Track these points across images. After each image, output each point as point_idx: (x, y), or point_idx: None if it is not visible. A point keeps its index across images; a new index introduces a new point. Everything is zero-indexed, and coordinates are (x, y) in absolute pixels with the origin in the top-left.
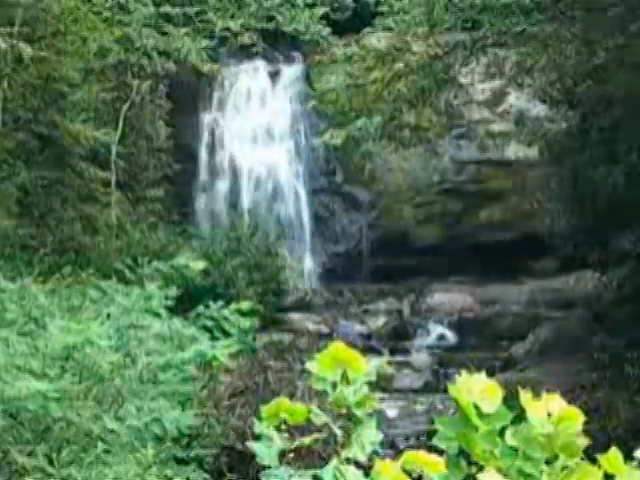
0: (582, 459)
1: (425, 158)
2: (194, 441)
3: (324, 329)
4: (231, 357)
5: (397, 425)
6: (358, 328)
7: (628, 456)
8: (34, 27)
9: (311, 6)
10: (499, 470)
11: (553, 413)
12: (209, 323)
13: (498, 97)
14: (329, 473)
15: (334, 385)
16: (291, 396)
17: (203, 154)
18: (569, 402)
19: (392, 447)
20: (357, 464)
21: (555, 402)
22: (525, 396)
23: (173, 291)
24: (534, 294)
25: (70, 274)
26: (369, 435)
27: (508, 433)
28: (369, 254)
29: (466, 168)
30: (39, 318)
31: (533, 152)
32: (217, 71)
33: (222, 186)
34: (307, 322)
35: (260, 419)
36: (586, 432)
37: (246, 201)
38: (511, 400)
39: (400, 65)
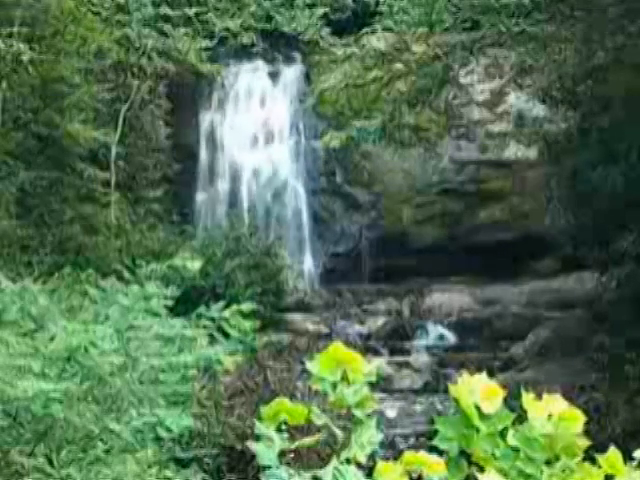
0: (582, 459)
1: (425, 158)
2: (194, 441)
3: (323, 329)
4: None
5: (397, 425)
6: (357, 328)
7: (628, 456)
8: (33, 27)
9: (311, 6)
10: (500, 471)
11: (554, 414)
12: (209, 324)
13: (498, 97)
14: (329, 473)
15: (334, 385)
16: (291, 396)
17: (203, 154)
18: (569, 402)
19: (392, 447)
20: (357, 464)
21: (556, 403)
22: (527, 397)
23: (173, 291)
24: (534, 294)
25: (70, 274)
26: (369, 435)
27: (509, 434)
28: (369, 254)
29: (466, 168)
30: (39, 318)
31: (533, 152)
32: (217, 71)
33: (222, 186)
34: (306, 322)
35: (260, 419)
36: (586, 432)
37: (246, 201)
38: (511, 400)
39: (399, 65)
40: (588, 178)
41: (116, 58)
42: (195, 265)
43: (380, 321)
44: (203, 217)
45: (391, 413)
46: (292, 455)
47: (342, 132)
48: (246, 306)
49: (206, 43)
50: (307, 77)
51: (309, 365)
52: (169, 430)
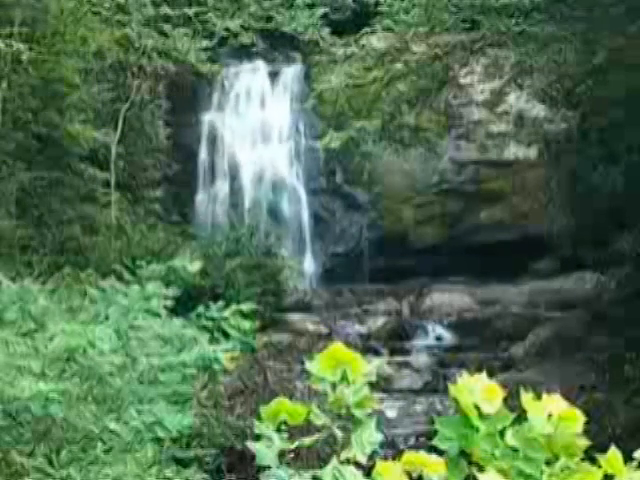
0: (582, 459)
1: (425, 159)
2: (194, 441)
3: (323, 329)
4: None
5: (397, 425)
6: (357, 328)
7: (627, 456)
8: (33, 27)
9: (310, 6)
10: (499, 471)
11: (553, 414)
12: (209, 324)
13: (497, 98)
14: (329, 473)
15: (334, 385)
16: (291, 396)
17: (203, 154)
18: (568, 402)
19: (392, 447)
20: (357, 464)
21: (555, 403)
22: (526, 397)
23: (173, 291)
24: (534, 294)
25: (70, 274)
26: (369, 436)
27: (508, 434)
28: (369, 255)
29: (465, 168)
30: (39, 318)
31: (533, 152)
32: (217, 71)
33: (222, 186)
34: (306, 322)
35: (260, 419)
36: (585, 432)
37: (246, 201)
38: (511, 400)
39: (399, 65)
40: (588, 178)
41: (116, 58)
42: (195, 267)
43: (380, 321)
44: (203, 217)
45: (391, 413)
46: (292, 455)
47: (342, 132)
48: (246, 306)
49: (206, 43)
50: (307, 77)
51: (309, 365)
52: (169, 430)
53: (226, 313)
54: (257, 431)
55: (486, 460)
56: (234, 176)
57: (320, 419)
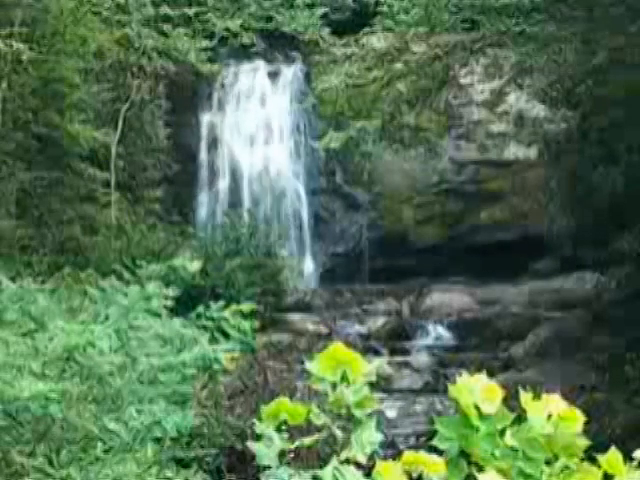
0: (582, 459)
1: (425, 159)
2: (194, 441)
3: (323, 329)
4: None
5: (397, 425)
6: (357, 328)
7: (627, 456)
8: (33, 27)
9: (310, 6)
10: (499, 471)
11: (553, 414)
12: (209, 324)
13: (497, 98)
14: (329, 473)
15: (334, 385)
16: (291, 396)
17: (203, 154)
18: (568, 403)
19: (392, 447)
20: (357, 464)
21: (555, 403)
22: (525, 397)
23: (173, 291)
24: (534, 294)
25: (70, 274)
26: (369, 435)
27: (508, 434)
28: (369, 254)
29: (466, 168)
30: (39, 318)
31: (533, 152)
32: (217, 71)
33: (222, 186)
34: (306, 322)
35: (260, 419)
36: (585, 432)
37: (246, 201)
38: (511, 400)
39: (399, 65)
40: (588, 178)
41: (116, 58)
42: (195, 266)
43: (380, 321)
44: (203, 217)
45: (391, 413)
46: (292, 455)
47: (342, 132)
48: (246, 306)
49: (206, 43)
50: (307, 77)
51: (309, 365)
52: (168, 430)
53: (226, 313)
54: (257, 431)
55: (486, 460)
56: (234, 176)
57: (320, 419)
